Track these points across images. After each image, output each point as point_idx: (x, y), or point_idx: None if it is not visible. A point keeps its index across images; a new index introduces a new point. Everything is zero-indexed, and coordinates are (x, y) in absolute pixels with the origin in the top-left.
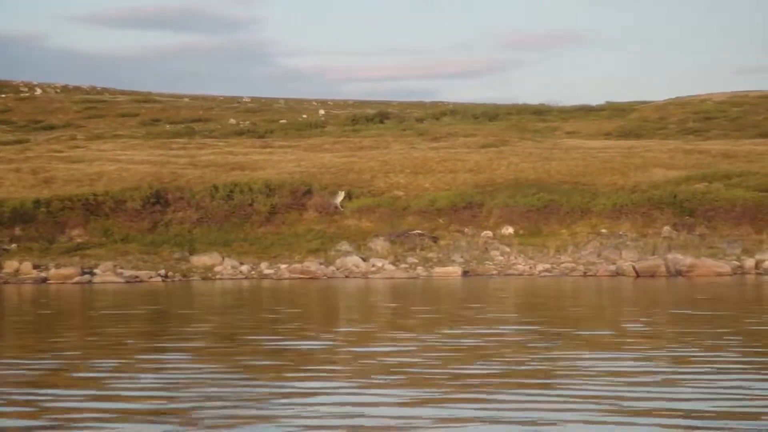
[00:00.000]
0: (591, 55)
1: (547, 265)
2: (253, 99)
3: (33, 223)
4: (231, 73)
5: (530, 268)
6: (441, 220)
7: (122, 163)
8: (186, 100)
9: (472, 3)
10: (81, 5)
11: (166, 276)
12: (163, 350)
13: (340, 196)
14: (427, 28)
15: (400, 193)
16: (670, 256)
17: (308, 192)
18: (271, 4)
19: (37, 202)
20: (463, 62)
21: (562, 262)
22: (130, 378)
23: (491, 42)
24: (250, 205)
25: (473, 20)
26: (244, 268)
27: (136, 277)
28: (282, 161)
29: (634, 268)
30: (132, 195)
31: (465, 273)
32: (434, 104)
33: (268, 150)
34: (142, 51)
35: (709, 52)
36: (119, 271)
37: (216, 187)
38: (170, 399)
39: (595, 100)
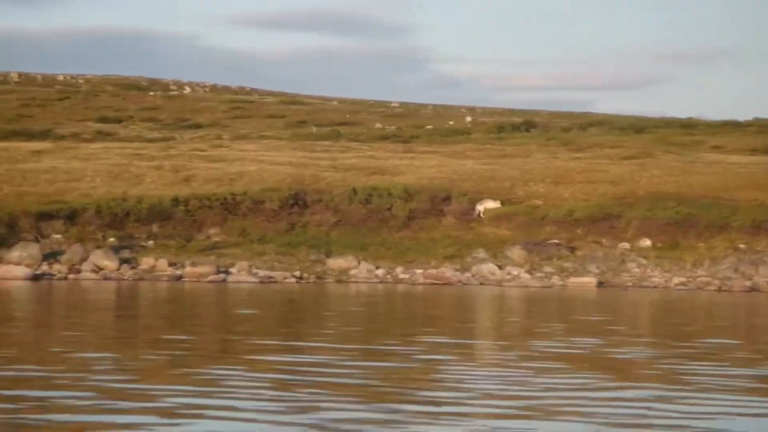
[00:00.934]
0: (745, 71)
1: (683, 279)
2: (402, 104)
3: (170, 220)
4: (383, 79)
5: (666, 281)
6: (579, 231)
7: (264, 163)
8: (334, 103)
9: (629, 16)
10: (235, 6)
11: (300, 277)
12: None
13: (485, 204)
14: (583, 38)
15: (539, 202)
16: None
17: (447, 198)
18: (426, 10)
19: (175, 200)
20: (617, 74)
21: (698, 276)
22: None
23: (646, 55)
24: (389, 209)
25: (629, 32)
26: (380, 272)
27: (271, 277)
28: (423, 167)
29: None
30: (270, 196)
31: (600, 284)
32: (582, 115)
33: (410, 155)
34: (294, 53)
35: None
36: (254, 271)
37: (355, 191)
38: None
39: (749, 116)
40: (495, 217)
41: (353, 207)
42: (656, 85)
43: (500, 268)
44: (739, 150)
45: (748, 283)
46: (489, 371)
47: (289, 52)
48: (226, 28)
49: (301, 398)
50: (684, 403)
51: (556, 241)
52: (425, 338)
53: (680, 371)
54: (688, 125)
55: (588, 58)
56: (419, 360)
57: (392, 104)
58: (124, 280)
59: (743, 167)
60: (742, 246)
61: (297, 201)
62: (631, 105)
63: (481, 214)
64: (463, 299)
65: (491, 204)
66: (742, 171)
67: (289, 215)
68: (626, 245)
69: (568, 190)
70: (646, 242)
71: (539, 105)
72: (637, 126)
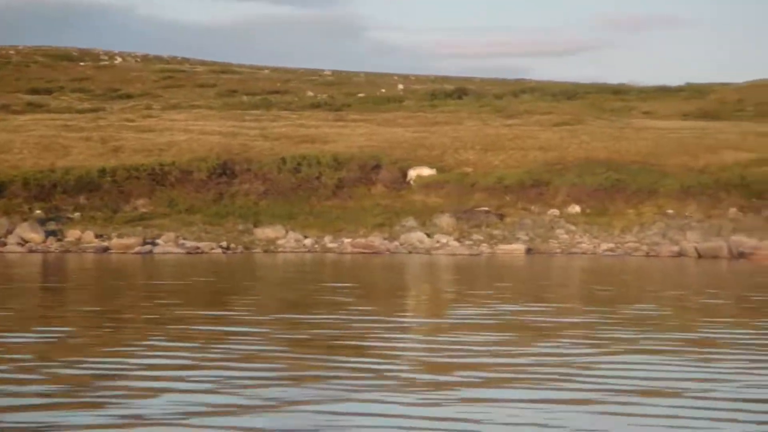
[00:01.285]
0: (683, 37)
1: (611, 245)
2: (334, 72)
3: (98, 192)
4: (318, 47)
5: (594, 247)
6: (508, 198)
7: (193, 133)
8: (266, 72)
9: None
10: None
11: (227, 248)
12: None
13: (418, 171)
14: (519, 5)
15: (469, 170)
16: (733, 238)
17: (377, 166)
18: None
19: (102, 171)
20: (552, 41)
21: (627, 242)
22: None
23: (581, 21)
24: (318, 178)
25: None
26: (308, 241)
27: (197, 248)
28: (353, 135)
29: (696, 249)
30: (198, 165)
31: (528, 251)
32: (516, 82)
33: (341, 123)
34: (228, 22)
35: None
36: (181, 242)
37: (284, 160)
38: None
39: (682, 81)
40: (425, 185)
41: (282, 176)
42: (592, 51)
43: (429, 236)
44: (670, 115)
45: (676, 248)
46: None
47: (223, 22)
48: None
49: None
50: (598, 365)
51: (486, 208)
52: (352, 308)
53: (597, 335)
54: (620, 91)
55: (523, 26)
56: (347, 328)
57: (325, 72)
58: (50, 252)
59: (673, 132)
60: (670, 211)
61: (225, 171)
62: (567, 71)
63: (412, 181)
64: (387, 268)
65: (426, 171)
66: (671, 136)
67: (218, 185)
68: (555, 212)
69: (498, 157)
70: (576, 208)
71: (475, 72)
72: (570, 92)
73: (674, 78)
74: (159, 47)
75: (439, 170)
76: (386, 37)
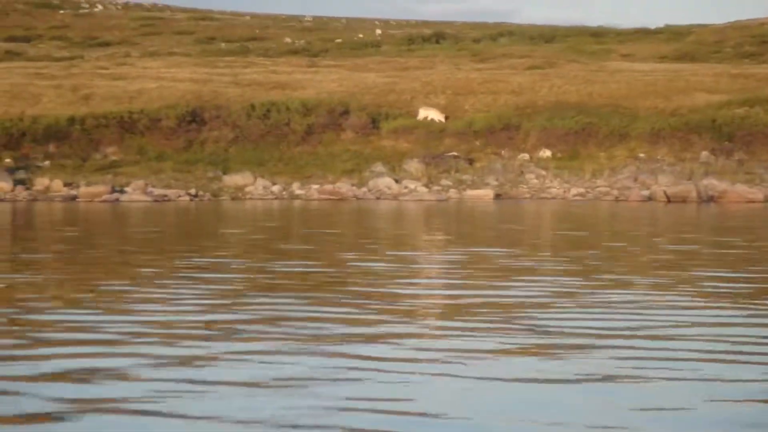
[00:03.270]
0: None
1: (581, 189)
2: (315, 18)
3: (67, 140)
4: None
5: (564, 192)
6: (478, 143)
7: (164, 81)
8: (247, 18)
9: None
10: None
11: (195, 195)
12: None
13: (429, 112)
14: None
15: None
16: (704, 181)
17: (346, 112)
18: None
19: (71, 120)
20: None
21: (597, 186)
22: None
23: None
24: (287, 124)
25: None
26: (276, 188)
27: (165, 196)
28: (324, 81)
29: (665, 193)
30: (167, 113)
31: (497, 196)
32: (496, 25)
33: (313, 69)
34: None
35: None
36: (149, 189)
37: (253, 106)
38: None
39: (673, 21)
40: (394, 131)
41: (251, 122)
42: None
43: (397, 182)
44: (648, 58)
45: (646, 193)
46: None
47: None
48: None
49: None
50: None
51: (455, 153)
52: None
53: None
54: (599, 33)
55: None
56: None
57: (305, 18)
58: (18, 201)
59: (647, 75)
60: (641, 155)
61: (195, 118)
62: (555, 14)
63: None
64: (342, 215)
65: (433, 113)
66: (645, 79)
67: (187, 132)
68: (526, 156)
69: (468, 102)
70: (546, 153)
71: (460, 16)
72: (548, 36)
73: (656, 19)
74: None
75: (409, 115)
76: None
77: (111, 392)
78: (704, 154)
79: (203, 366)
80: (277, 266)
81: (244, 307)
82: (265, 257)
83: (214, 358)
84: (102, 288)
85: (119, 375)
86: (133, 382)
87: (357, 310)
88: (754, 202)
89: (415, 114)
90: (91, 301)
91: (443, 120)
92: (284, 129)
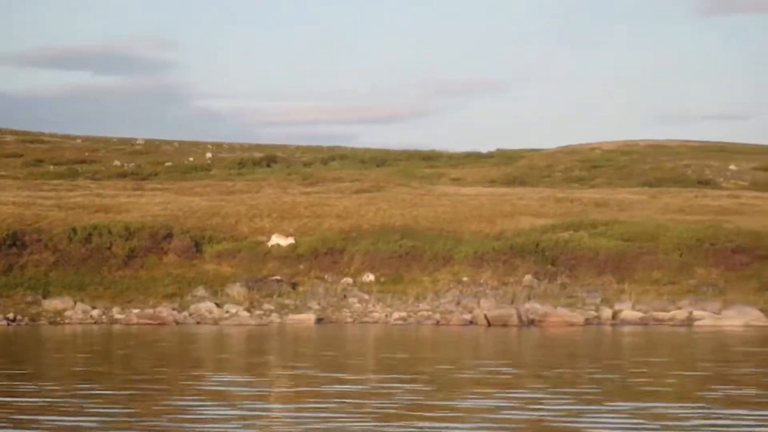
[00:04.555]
0: (510, 101)
1: (404, 313)
2: (147, 141)
3: None
4: (140, 115)
5: (386, 316)
6: (302, 266)
7: None
8: (78, 141)
9: (393, 47)
10: (1, 45)
11: (13, 319)
12: None
13: (277, 240)
14: (345, 71)
15: (264, 239)
16: (526, 305)
17: (169, 235)
18: (189, 49)
19: None
20: (380, 108)
21: (420, 311)
22: None
23: (410, 88)
24: (109, 248)
25: (392, 65)
26: (95, 312)
27: None
28: (149, 204)
29: (485, 316)
30: None
31: (319, 320)
32: (329, 149)
33: (138, 192)
34: (57, 92)
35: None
36: None
37: (74, 230)
38: None
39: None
40: (217, 254)
41: (73, 246)
42: (424, 117)
43: (219, 306)
44: (478, 181)
45: (468, 316)
46: None
47: (47, 92)
48: None
49: None
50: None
51: (278, 277)
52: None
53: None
54: (431, 157)
55: (355, 91)
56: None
57: (137, 141)
58: None
59: (473, 198)
60: (465, 278)
61: (15, 242)
62: (396, 138)
63: (271, 247)
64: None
65: (283, 240)
66: (471, 202)
67: (7, 256)
68: (349, 280)
69: (293, 225)
70: (370, 277)
71: (298, 140)
72: (379, 159)
73: (489, 144)
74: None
75: (233, 239)
76: (212, 105)
77: None
78: (527, 277)
79: None
80: None
81: None
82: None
83: None
84: None
85: None
86: None
87: None
88: (574, 325)
89: (240, 237)
90: None
91: (293, 242)
92: (106, 253)
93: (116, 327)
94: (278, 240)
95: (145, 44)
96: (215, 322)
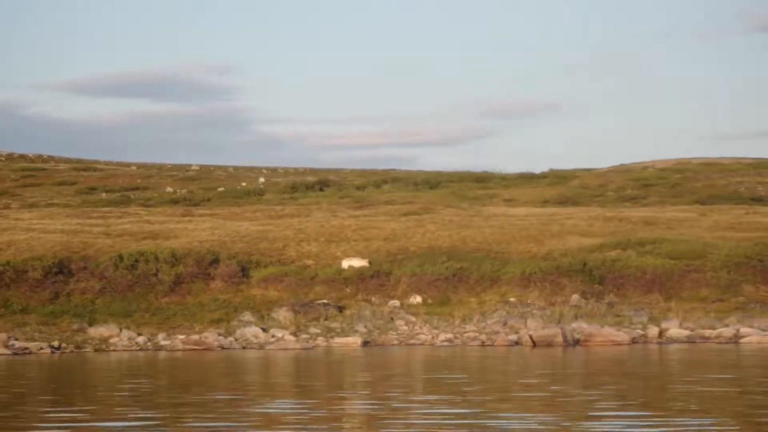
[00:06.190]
0: (564, 122)
1: (450, 335)
2: (201, 166)
3: None
4: (206, 141)
5: (432, 338)
6: (348, 290)
7: (34, 232)
8: (133, 168)
9: (448, 70)
10: (58, 74)
11: (58, 347)
12: None
13: (350, 262)
14: (403, 95)
15: (310, 262)
16: (573, 325)
17: (215, 261)
18: (247, 74)
19: None
20: (438, 130)
21: (466, 332)
22: None
23: (467, 110)
24: (155, 274)
25: (455, 87)
26: (140, 339)
27: (26, 348)
28: (197, 230)
29: (530, 337)
30: (34, 264)
31: (365, 343)
32: (383, 172)
33: (187, 218)
34: (105, 119)
35: (680, 120)
36: (11, 342)
37: (121, 257)
38: None
39: (562, 166)
40: (264, 279)
41: (119, 273)
42: (481, 139)
43: (265, 330)
44: (530, 202)
45: (513, 337)
46: None
47: (106, 119)
48: (50, 96)
49: None
50: None
51: (325, 301)
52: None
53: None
54: (483, 179)
55: (413, 114)
56: None
57: (191, 167)
58: None
59: (522, 219)
60: (512, 299)
61: (62, 269)
62: (457, 160)
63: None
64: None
65: (356, 262)
66: (519, 223)
67: (53, 284)
68: (396, 303)
69: (340, 249)
70: (417, 299)
71: (359, 163)
72: (432, 181)
73: (544, 165)
74: (50, 147)
75: (280, 263)
76: (273, 130)
77: None
78: (575, 297)
79: None
80: None
81: None
82: None
83: None
84: None
85: None
86: None
87: None
88: (620, 344)
89: (287, 261)
90: None
91: (367, 264)
92: (152, 279)
93: (161, 353)
94: (350, 262)
95: (201, 70)
96: (261, 346)
